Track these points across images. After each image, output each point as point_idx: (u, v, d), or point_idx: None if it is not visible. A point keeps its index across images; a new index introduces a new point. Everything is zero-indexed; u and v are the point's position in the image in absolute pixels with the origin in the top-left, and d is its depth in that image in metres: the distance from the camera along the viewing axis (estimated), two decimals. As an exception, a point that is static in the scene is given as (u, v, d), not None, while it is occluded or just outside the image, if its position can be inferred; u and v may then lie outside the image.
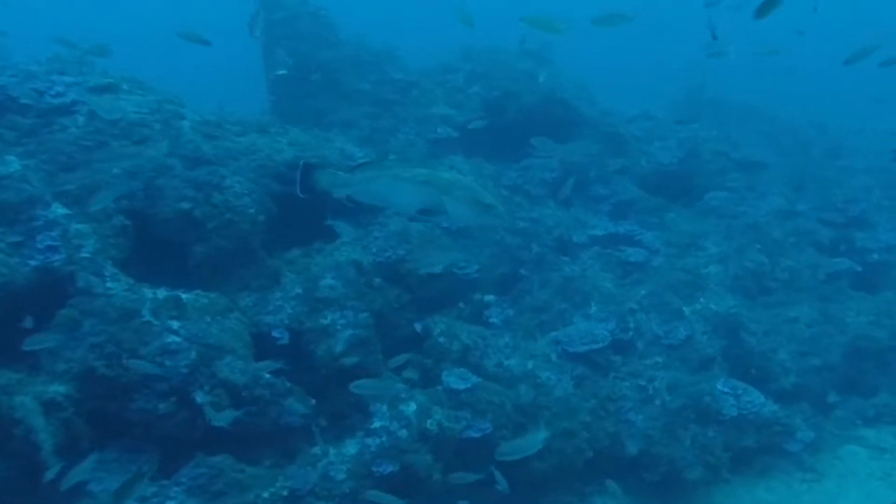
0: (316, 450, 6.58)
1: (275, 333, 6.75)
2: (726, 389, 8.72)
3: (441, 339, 7.71)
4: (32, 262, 6.17)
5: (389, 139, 10.37)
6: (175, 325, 6.26)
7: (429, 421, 7.01)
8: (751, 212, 11.25)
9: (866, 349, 9.60)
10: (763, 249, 10.50)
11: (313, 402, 6.73)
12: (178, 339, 6.18)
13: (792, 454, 8.93)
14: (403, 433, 6.88)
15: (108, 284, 6.28)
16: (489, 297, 8.97)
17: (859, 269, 10.70)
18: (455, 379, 7.36)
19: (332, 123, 10.38)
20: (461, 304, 8.89)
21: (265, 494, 6.14)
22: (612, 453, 8.02)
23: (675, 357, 8.73)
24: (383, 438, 6.83)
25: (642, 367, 8.46)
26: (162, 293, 6.43)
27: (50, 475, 5.44)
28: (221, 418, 6.04)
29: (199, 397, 6.09)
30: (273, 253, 7.36)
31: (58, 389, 5.80)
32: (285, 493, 6.29)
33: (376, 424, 6.87)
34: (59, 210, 6.43)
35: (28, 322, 5.85)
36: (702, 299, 9.55)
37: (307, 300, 7.04)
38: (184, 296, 6.50)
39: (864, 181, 13.24)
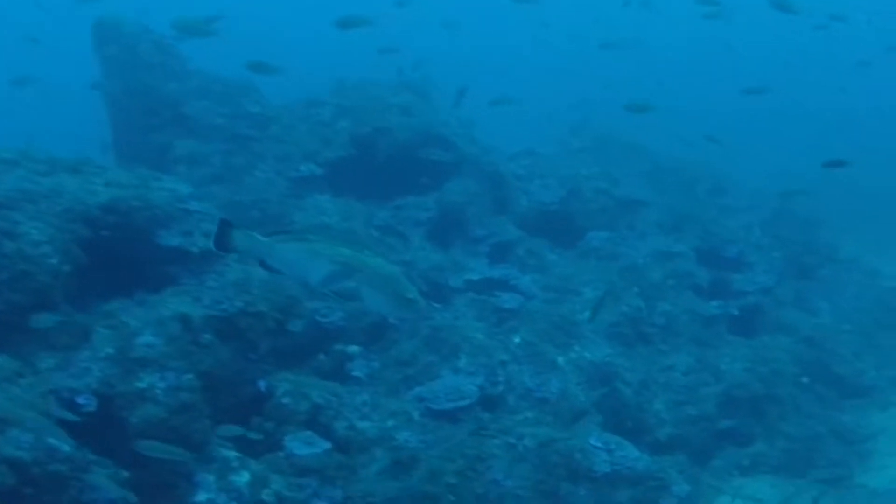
0: (127, 531, 5.74)
1: (79, 400, 5.88)
2: (599, 444, 8.24)
3: (285, 400, 6.98)
4: None
5: (244, 177, 9.65)
6: (-56, 396, 5.35)
7: (265, 491, 6.26)
8: (630, 253, 10.99)
9: (740, 398, 9.36)
10: (641, 293, 10.20)
11: (126, 474, 5.89)
12: (-52, 414, 5.27)
13: (667, 512, 8.53)
14: (234, 507, 6.12)
15: None
16: (353, 348, 8.31)
17: (736, 312, 10.54)
18: (299, 444, 6.64)
19: (179, 160, 9.60)
20: (321, 356, 8.21)
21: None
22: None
23: (548, 411, 8.24)
24: (210, 513, 6.05)
25: (512, 423, 7.91)
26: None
27: None
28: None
29: (-25, 480, 5.18)
30: (86, 306, 6.51)
31: None
32: (89, 586, 5.43)
33: (201, 498, 6.08)
34: None
35: None
36: (577, 348, 9.13)
37: (120, 360, 6.21)
38: (-40, 361, 5.60)
39: (745, 219, 13.23)
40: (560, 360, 8.82)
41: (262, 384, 7.22)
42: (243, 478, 6.28)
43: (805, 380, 9.76)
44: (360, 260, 4.31)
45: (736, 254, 11.34)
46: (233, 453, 6.45)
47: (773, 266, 11.52)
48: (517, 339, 8.66)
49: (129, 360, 6.24)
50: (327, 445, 6.73)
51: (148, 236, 7.28)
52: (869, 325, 11.67)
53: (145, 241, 7.24)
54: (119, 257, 7.04)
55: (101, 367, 6.20)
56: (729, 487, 9.23)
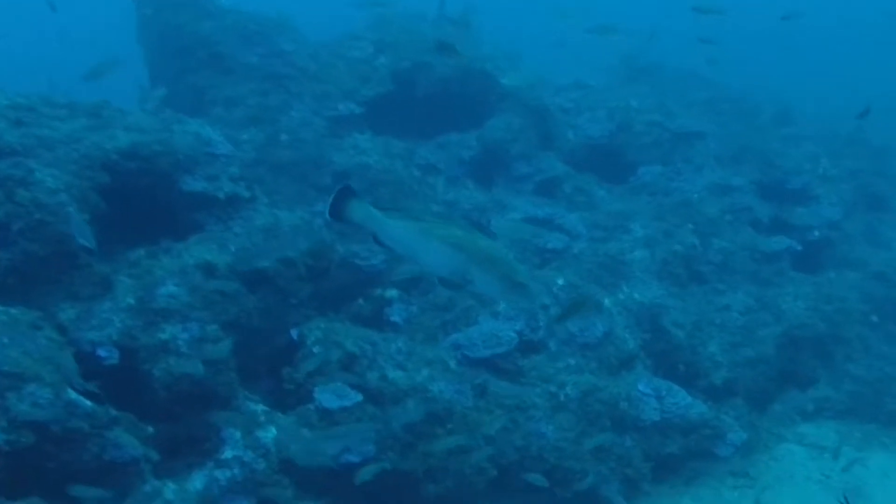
0: (151, 486, 5.61)
1: (100, 352, 5.72)
2: (648, 391, 7.86)
3: (316, 349, 6.73)
4: None
5: (280, 118, 9.30)
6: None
7: (293, 447, 6.06)
8: (685, 188, 10.36)
9: (803, 338, 8.78)
10: (696, 229, 9.62)
11: (150, 430, 5.75)
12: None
13: (723, 458, 8.12)
14: (261, 464, 5.92)
15: None
16: (392, 293, 8.01)
17: (799, 248, 9.87)
18: (329, 396, 6.40)
19: (215, 102, 9.30)
20: (360, 301, 7.94)
21: (84, 547, 5.18)
22: (519, 469, 7.14)
23: (592, 357, 7.83)
24: (235, 470, 5.88)
25: (554, 370, 7.55)
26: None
27: None
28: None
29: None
30: (108, 255, 6.31)
31: None
32: (111, 539, 5.34)
33: (227, 454, 5.92)
34: None
35: None
36: (625, 288, 8.66)
37: (142, 312, 6.02)
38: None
39: (811, 149, 12.38)
40: (606, 301, 8.37)
41: (294, 333, 6.99)
42: (270, 433, 6.09)
43: (875, 318, 9.13)
44: (472, 241, 4.20)
45: (800, 186, 10.60)
46: (260, 407, 6.27)
47: (841, 198, 10.75)
48: (561, 281, 8.22)
49: (150, 310, 6.04)
50: (359, 398, 6.47)
51: (171, 182, 7.03)
52: (947, 258, 10.86)
53: (168, 186, 6.99)
54: (142, 204, 6.82)
55: (123, 318, 6.02)
56: (791, 434, 8.76)
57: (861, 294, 9.46)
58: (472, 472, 6.76)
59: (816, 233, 10.16)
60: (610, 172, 10.60)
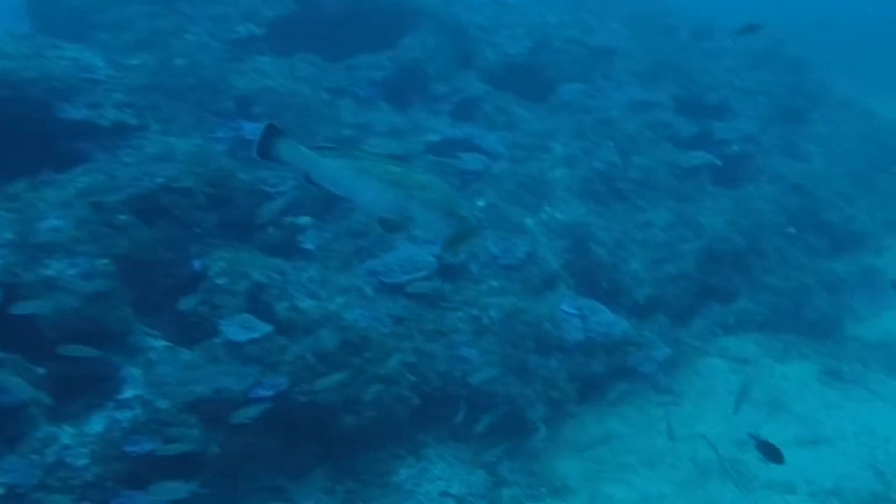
0: (44, 432, 5.19)
1: (-22, 291, 5.20)
2: (572, 310, 7.71)
3: (220, 281, 6.31)
4: None
5: (173, 42, 8.62)
6: None
7: (199, 384, 5.68)
8: (605, 105, 10.15)
9: (723, 252, 8.75)
10: (616, 147, 9.43)
11: (41, 372, 5.30)
12: None
13: (647, 376, 8.07)
14: (164, 403, 5.54)
15: None
16: (304, 219, 7.59)
17: (718, 162, 9.79)
18: (236, 328, 6.02)
19: (98, 25, 8.56)
20: (271, 229, 7.50)
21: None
22: (446, 396, 6.94)
23: (515, 279, 7.61)
24: (137, 411, 5.49)
25: (476, 293, 7.31)
26: None
27: None
28: None
29: None
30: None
31: None
32: (1, 491, 4.92)
33: (128, 394, 5.51)
34: None
35: None
36: (547, 208, 8.44)
37: (23, 247, 5.49)
38: None
39: (729, 64, 12.27)
40: (528, 221, 8.14)
41: (196, 264, 6.54)
42: (173, 370, 5.69)
43: (792, 230, 9.16)
44: (411, 178, 4.07)
45: (718, 100, 10.49)
46: (161, 343, 5.85)
47: (758, 111, 10.71)
48: (481, 203, 7.95)
49: (32, 245, 5.52)
50: (268, 329, 6.11)
51: (48, 110, 6.41)
52: (862, 167, 10.98)
53: (45, 116, 6.39)
54: (17, 135, 6.21)
55: (2, 254, 5.49)
56: (713, 347, 8.79)
57: (778, 206, 9.48)
58: (392, 400, 6.51)
59: (734, 147, 10.12)
60: (530, 91, 10.30)
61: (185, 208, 6.41)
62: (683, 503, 6.87)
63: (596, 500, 6.97)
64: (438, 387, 6.84)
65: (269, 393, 5.96)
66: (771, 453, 5.67)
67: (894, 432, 7.25)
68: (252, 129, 8.10)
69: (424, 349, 6.85)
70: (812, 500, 6.65)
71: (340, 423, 6.34)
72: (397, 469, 6.66)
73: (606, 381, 7.86)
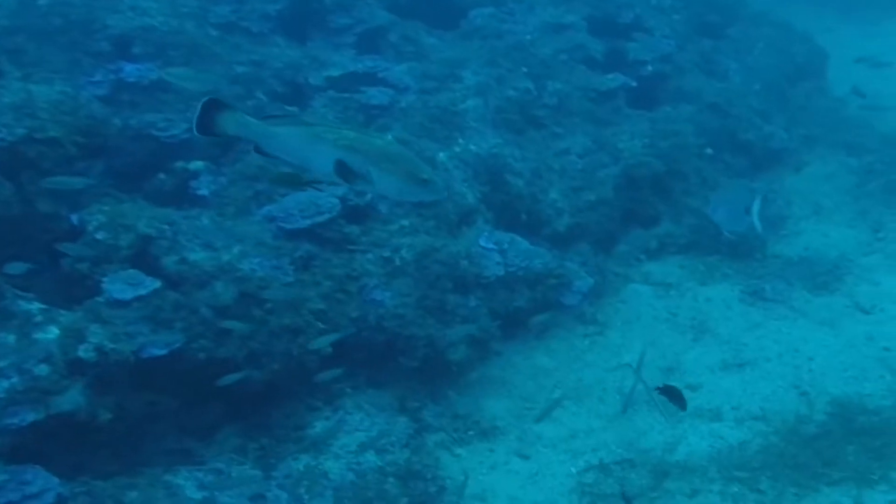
0: None
1: None
2: (490, 245, 7.37)
3: (100, 235, 5.74)
4: None
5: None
6: None
7: (82, 347, 5.17)
8: (517, 29, 9.67)
9: (642, 177, 8.49)
10: (530, 73, 9.01)
11: None
12: None
13: (572, 307, 7.83)
14: (43, 369, 5.03)
15: None
16: (197, 164, 7.02)
17: (634, 84, 9.47)
18: (121, 285, 5.49)
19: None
20: (161, 176, 6.93)
21: None
22: (361, 342, 6.57)
23: (429, 216, 7.20)
24: (14, 379, 4.97)
25: (386, 234, 6.88)
26: None
27: None
28: None
29: None
30: None
31: None
32: None
33: (2, 363, 4.98)
34: None
35: None
36: (460, 140, 8.00)
37: None
38: None
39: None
40: (441, 155, 7.71)
41: (74, 218, 5.95)
42: (51, 334, 5.16)
43: (709, 151, 8.94)
44: (367, 141, 3.99)
45: (632, 19, 10.11)
46: (36, 305, 5.29)
47: (673, 29, 10.37)
48: (389, 138, 7.45)
49: None
50: (156, 284, 5.60)
51: None
52: (779, 81, 10.80)
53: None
54: None
55: None
56: (637, 273, 8.59)
57: (696, 127, 9.24)
58: (301, 352, 6.10)
59: (650, 67, 9.79)
60: (439, 18, 9.75)
61: (55, 160, 5.78)
62: (612, 437, 6.69)
63: (525, 439, 6.75)
64: (352, 333, 6.46)
65: (162, 352, 5.49)
66: (675, 399, 5.49)
67: (818, 350, 7.16)
68: (133, 71, 7.45)
69: (334, 295, 6.44)
70: (738, 426, 6.51)
71: (246, 379, 5.92)
72: (313, 422, 6.33)
73: (531, 316, 7.58)
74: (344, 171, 3.90)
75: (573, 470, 6.42)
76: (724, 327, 7.71)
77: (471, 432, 6.80)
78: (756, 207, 6.39)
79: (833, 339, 7.28)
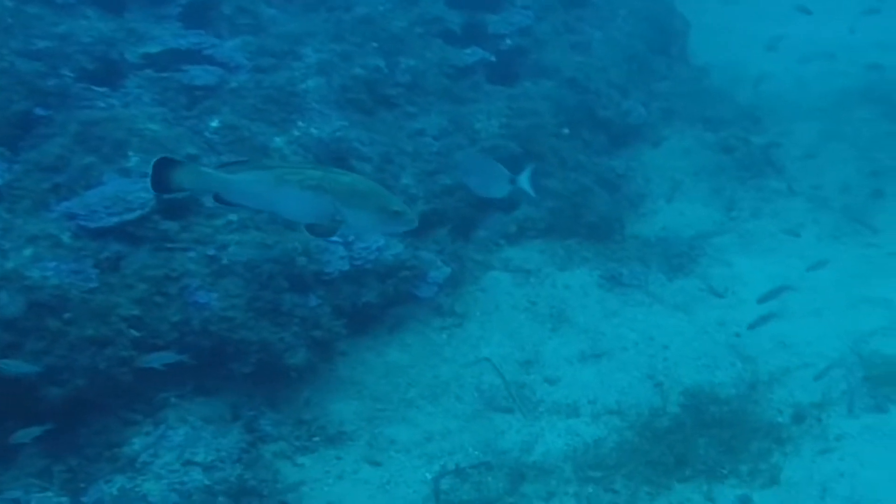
0: None
1: None
2: (334, 238, 6.76)
3: None
4: None
5: None
6: None
7: None
8: (367, 0, 9.04)
9: (498, 159, 8.02)
10: (381, 48, 8.43)
11: None
12: None
13: (428, 299, 7.38)
14: None
15: None
16: (-18, 150, 6.14)
17: (493, 58, 9.03)
18: None
19: None
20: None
21: None
22: (184, 348, 5.89)
23: (262, 208, 6.55)
24: None
25: (211, 230, 6.22)
26: None
27: None
28: None
29: None
30: None
31: None
32: None
33: None
34: None
35: None
36: (300, 123, 7.37)
37: None
38: None
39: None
40: (278, 140, 7.07)
41: None
42: None
43: (566, 131, 8.62)
44: (334, 179, 3.94)
45: (489, -11, 9.64)
46: None
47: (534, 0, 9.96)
48: (215, 123, 6.77)
49: None
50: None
51: None
52: (641, 51, 10.59)
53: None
54: None
55: None
56: (496, 260, 8.20)
57: (554, 104, 8.89)
58: (109, 364, 5.40)
59: (508, 41, 9.36)
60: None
61: None
62: (469, 439, 6.31)
63: (377, 444, 6.28)
64: (175, 339, 5.81)
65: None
66: None
67: (672, 338, 6.97)
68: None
69: (151, 299, 5.75)
70: (594, 422, 6.24)
71: (45, 396, 5.20)
72: (130, 438, 5.66)
73: (382, 311, 7.11)
74: (316, 230, 3.90)
75: (428, 476, 6.02)
76: (583, 315, 7.43)
77: (316, 439, 6.29)
78: (527, 174, 6.09)
79: (687, 326, 7.11)
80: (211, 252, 6.09)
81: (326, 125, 7.40)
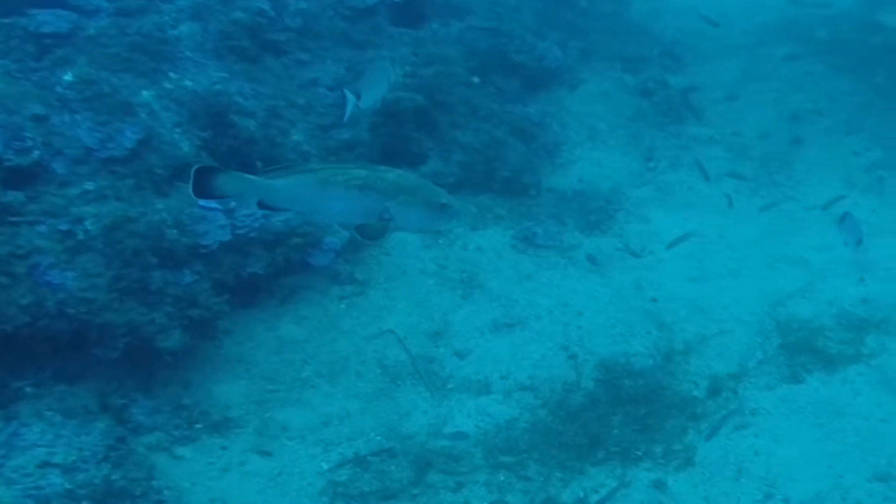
0: None
1: None
2: (212, 205, 6.07)
3: None
4: None
5: None
6: None
7: None
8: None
9: (403, 111, 7.39)
10: (266, -12, 7.57)
11: None
12: None
13: (324, 268, 6.75)
14: None
15: None
16: None
17: (398, -1, 8.27)
18: None
19: None
20: None
21: None
22: (37, 333, 5.18)
23: (126, 174, 5.79)
24: None
25: (64, 201, 5.43)
26: None
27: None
28: None
29: None
30: None
31: None
32: None
33: None
34: None
35: None
36: (172, 75, 6.54)
37: None
38: None
39: None
40: (146, 94, 6.24)
41: None
42: None
43: (476, 80, 7.98)
44: (380, 178, 3.85)
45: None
46: None
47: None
48: (69, 77, 5.91)
49: None
50: None
51: None
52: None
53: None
54: None
55: None
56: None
57: (464, 49, 8.22)
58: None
59: (414, -23, 8.59)
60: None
61: None
62: (371, 422, 5.78)
63: (267, 431, 5.71)
64: (26, 322, 5.08)
65: None
66: None
67: (587, 304, 6.49)
68: None
69: (-6, 281, 4.99)
70: (506, 400, 5.77)
71: None
72: (-26, 437, 4.95)
73: (272, 282, 6.47)
74: (366, 232, 3.86)
75: (325, 466, 5.48)
76: (496, 280, 6.91)
77: (198, 426, 5.69)
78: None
79: (602, 290, 6.65)
80: (64, 226, 5.32)
81: (203, 77, 6.59)
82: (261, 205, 3.84)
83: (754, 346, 6.11)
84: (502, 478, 5.28)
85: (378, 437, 5.68)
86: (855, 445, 5.32)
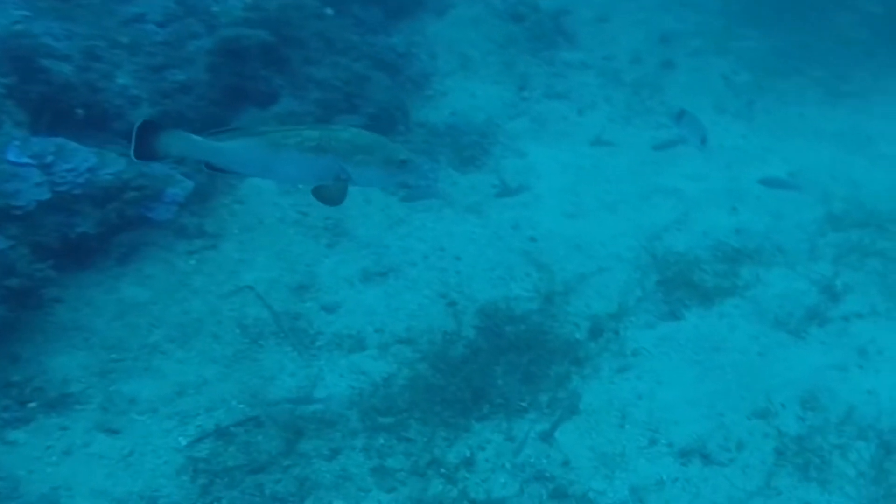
0: None
1: None
2: (24, 160, 5.24)
3: None
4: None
5: None
6: None
7: None
8: None
9: (247, 48, 6.64)
10: None
11: None
12: None
13: (166, 222, 6.02)
14: None
15: None
16: None
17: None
18: None
19: None
20: None
21: None
22: None
23: None
24: None
25: None
26: None
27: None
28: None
29: None
30: None
31: None
32: None
33: None
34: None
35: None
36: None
37: None
38: None
39: None
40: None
41: None
42: None
43: (329, 11, 7.30)
44: (334, 137, 3.78)
45: None
46: None
47: None
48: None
49: None
50: None
51: None
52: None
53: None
54: None
55: None
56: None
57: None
58: None
59: None
60: None
61: None
62: (232, 388, 5.16)
63: (113, 406, 5.01)
64: None
65: None
66: None
67: (465, 247, 6.05)
68: None
69: None
70: (382, 356, 5.27)
71: None
72: None
73: (106, 241, 5.70)
74: (322, 192, 3.78)
75: (182, 442, 4.85)
76: (364, 227, 6.36)
77: (32, 405, 4.93)
78: None
79: (480, 231, 6.22)
80: None
81: (1, 16, 5.65)
82: (208, 166, 3.75)
83: (633, 283, 5.87)
84: (382, 441, 4.83)
85: (241, 406, 5.08)
86: (734, 382, 5.17)
